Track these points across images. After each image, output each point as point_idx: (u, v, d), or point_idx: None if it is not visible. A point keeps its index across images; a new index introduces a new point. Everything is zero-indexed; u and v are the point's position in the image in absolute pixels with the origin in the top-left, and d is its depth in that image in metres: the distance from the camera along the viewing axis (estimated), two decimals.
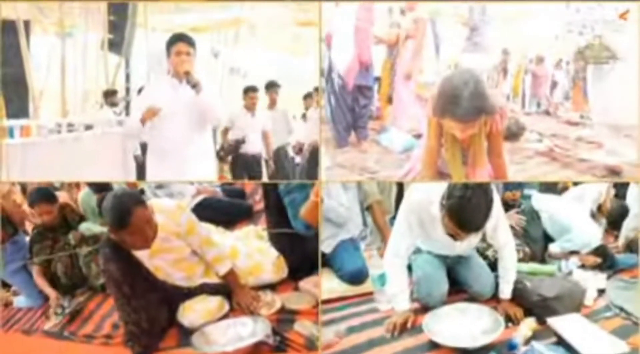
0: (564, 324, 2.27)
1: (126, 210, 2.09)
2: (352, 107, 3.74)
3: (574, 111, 4.50)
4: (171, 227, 2.26)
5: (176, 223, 2.26)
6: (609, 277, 2.82)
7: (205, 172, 2.74)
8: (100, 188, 3.16)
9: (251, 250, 2.55)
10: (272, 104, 4.46)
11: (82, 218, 3.16)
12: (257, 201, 3.53)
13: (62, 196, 3.29)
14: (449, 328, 2.33)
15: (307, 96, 4.88)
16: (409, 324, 2.41)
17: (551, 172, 3.49)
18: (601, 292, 2.71)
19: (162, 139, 2.61)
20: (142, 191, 3.26)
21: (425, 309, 2.54)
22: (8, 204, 3.04)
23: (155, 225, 2.23)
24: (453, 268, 2.72)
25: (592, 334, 2.20)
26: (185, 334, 2.24)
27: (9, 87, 4.25)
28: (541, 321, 2.34)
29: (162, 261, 2.30)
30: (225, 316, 2.34)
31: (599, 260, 2.98)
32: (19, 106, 4.50)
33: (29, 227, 3.14)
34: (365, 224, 3.07)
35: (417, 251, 2.70)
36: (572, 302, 2.51)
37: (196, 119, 2.61)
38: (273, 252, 2.56)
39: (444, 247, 2.56)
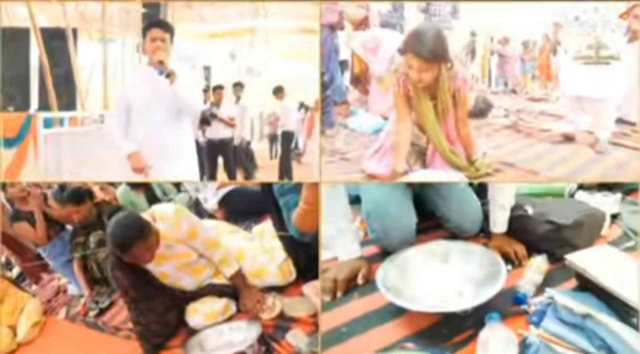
0: (590, 260, 1.62)
1: (128, 243, 2.04)
2: None
3: (540, 88, 4.72)
4: (173, 234, 2.19)
5: (177, 229, 2.19)
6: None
7: (187, 166, 2.60)
8: (137, 184, 3.36)
9: (257, 252, 2.44)
10: (237, 99, 5.10)
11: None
12: None
13: (99, 193, 3.38)
14: (422, 282, 1.67)
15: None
16: (359, 279, 1.82)
17: (514, 141, 3.78)
18: (613, 218, 2.18)
19: (141, 130, 2.49)
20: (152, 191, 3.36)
21: (385, 254, 1.89)
22: (47, 208, 3.23)
23: (157, 233, 2.15)
24: (422, 193, 2.10)
25: (630, 272, 1.59)
26: (192, 335, 2.20)
27: (60, 84, 5.08)
28: (554, 259, 1.80)
29: (169, 267, 2.26)
30: (230, 318, 2.26)
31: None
32: (68, 100, 5.22)
33: None
34: None
35: None
36: (592, 231, 1.95)
37: (173, 110, 2.47)
38: (281, 255, 2.41)
39: None
